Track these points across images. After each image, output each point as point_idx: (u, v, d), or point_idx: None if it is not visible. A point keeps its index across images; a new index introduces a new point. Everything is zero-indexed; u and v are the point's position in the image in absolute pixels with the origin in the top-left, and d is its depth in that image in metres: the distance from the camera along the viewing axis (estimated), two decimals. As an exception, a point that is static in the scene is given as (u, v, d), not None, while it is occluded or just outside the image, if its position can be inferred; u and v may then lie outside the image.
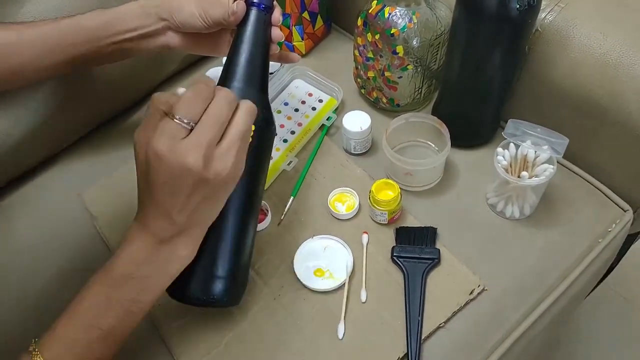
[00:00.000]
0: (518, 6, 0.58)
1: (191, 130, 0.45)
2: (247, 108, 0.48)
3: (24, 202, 0.75)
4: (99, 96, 0.78)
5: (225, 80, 0.56)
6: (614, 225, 0.68)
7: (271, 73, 0.83)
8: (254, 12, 0.57)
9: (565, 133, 0.63)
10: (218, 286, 0.54)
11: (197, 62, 0.90)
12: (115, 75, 0.76)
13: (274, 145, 0.75)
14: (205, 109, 0.45)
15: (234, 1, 0.58)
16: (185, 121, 0.44)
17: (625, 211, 0.69)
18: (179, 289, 0.54)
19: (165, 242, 0.48)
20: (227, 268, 0.54)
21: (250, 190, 0.55)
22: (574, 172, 0.73)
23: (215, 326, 0.61)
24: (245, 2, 0.58)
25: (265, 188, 0.72)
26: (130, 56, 0.66)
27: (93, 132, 0.82)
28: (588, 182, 0.72)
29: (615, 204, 0.70)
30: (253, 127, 0.50)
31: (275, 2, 0.60)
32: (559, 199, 0.69)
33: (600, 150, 0.69)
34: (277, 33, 0.60)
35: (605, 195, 0.70)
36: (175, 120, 0.44)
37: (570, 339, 1.12)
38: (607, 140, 0.68)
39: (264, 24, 0.58)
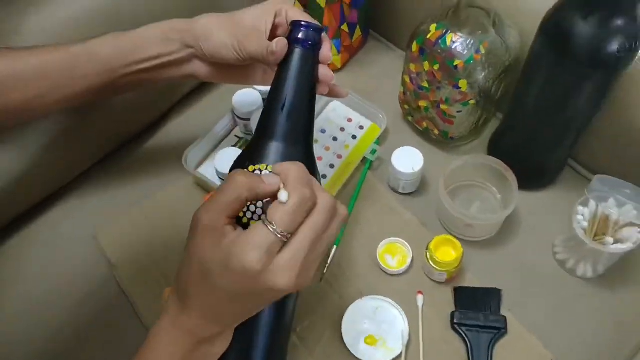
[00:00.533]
0: (617, 50, 0.49)
1: (285, 238, 0.37)
2: (343, 218, 0.40)
3: (32, 242, 0.67)
4: (108, 122, 0.69)
5: (264, 135, 0.47)
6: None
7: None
8: (297, 52, 0.47)
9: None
10: None
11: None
12: (126, 98, 0.67)
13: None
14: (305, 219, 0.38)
15: (272, 37, 0.48)
16: (285, 234, 0.36)
17: None
18: None
19: (204, 341, 0.42)
20: (263, 348, 0.47)
21: None
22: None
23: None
24: (287, 38, 0.48)
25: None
26: (148, 86, 0.57)
27: (100, 163, 0.73)
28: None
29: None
30: None
31: (324, 35, 0.50)
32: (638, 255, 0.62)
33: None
34: (326, 74, 0.50)
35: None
36: (272, 231, 0.36)
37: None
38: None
39: (311, 65, 0.48)
